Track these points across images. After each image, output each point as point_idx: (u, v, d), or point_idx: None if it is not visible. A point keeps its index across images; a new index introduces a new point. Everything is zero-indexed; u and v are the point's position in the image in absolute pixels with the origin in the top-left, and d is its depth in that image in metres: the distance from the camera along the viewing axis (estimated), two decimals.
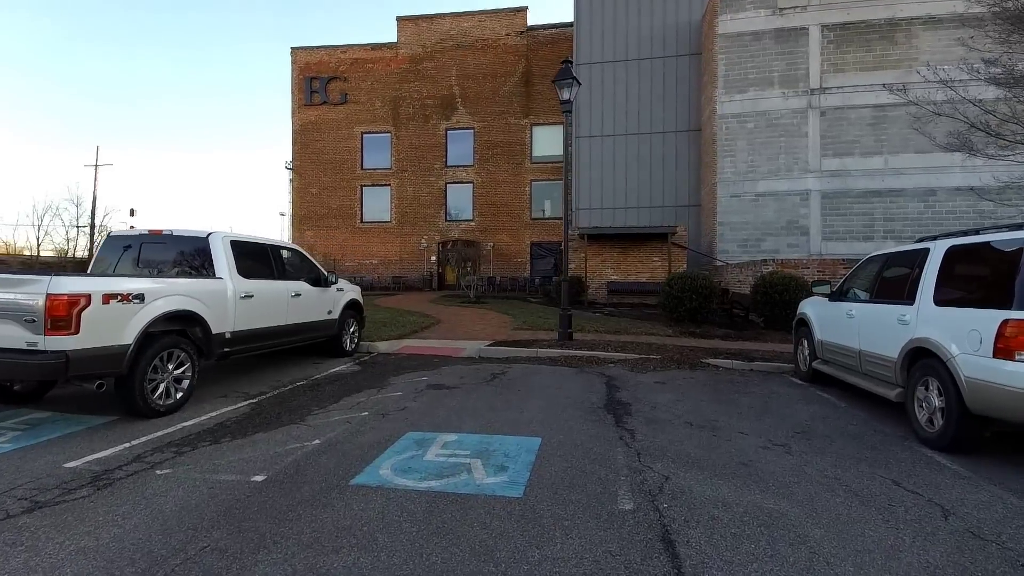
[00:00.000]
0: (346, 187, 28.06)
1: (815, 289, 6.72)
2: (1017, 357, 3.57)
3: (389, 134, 27.85)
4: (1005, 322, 3.66)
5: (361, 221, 27.86)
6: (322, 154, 28.33)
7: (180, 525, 2.95)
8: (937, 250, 4.67)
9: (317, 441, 4.33)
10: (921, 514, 3.14)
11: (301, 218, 28.44)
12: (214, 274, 5.87)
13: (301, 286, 7.17)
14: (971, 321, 3.96)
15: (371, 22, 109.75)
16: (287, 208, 30.02)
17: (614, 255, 18.93)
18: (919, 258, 4.87)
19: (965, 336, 3.98)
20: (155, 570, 2.48)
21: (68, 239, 36.01)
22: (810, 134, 17.42)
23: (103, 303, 4.60)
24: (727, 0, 18.43)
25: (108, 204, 69.54)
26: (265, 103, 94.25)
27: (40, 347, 4.30)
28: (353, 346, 8.56)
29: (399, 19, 28.14)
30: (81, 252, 33.00)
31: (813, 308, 6.88)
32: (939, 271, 4.53)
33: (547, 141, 26.54)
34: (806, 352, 6.93)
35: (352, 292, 8.57)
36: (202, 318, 5.48)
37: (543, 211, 26.60)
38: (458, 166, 27.11)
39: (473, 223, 26.85)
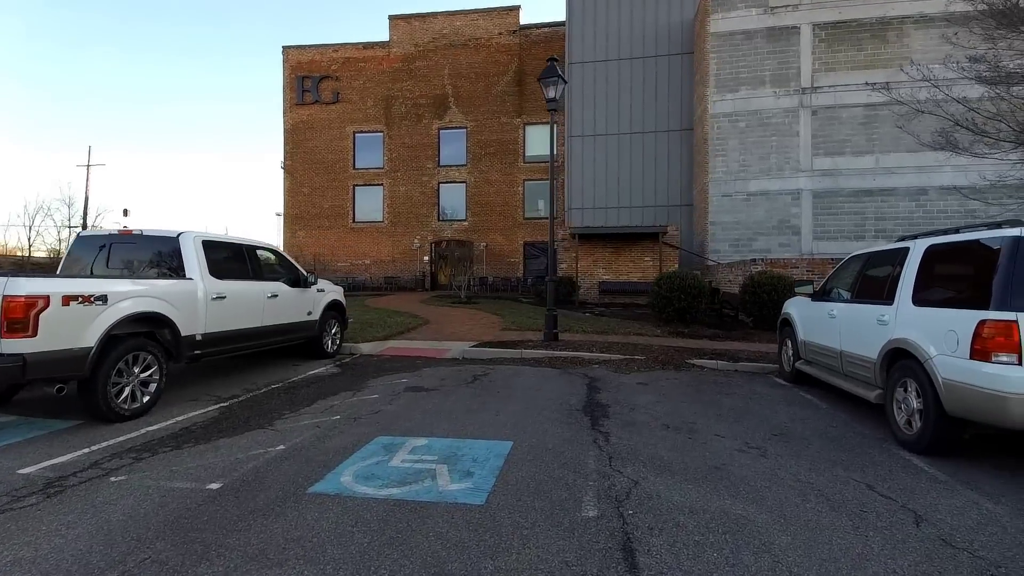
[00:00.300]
0: (338, 187, 27.90)
1: (797, 289, 6.64)
2: (994, 359, 3.49)
3: (381, 133, 27.70)
4: (982, 323, 3.57)
5: (353, 221, 27.70)
6: (314, 154, 28.17)
7: (124, 535, 2.84)
8: (916, 249, 4.59)
9: (282, 446, 4.22)
10: (893, 520, 3.04)
11: (293, 218, 28.27)
12: (184, 275, 5.75)
13: (278, 287, 7.05)
14: (948, 321, 3.88)
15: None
16: (282, 208, 29.83)
17: (606, 255, 18.84)
18: (899, 257, 4.79)
19: (943, 337, 3.90)
20: None
21: (60, 239, 35.80)
22: (801, 133, 17.37)
23: (63, 305, 4.48)
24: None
25: (100, 204, 69.28)
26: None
27: None
28: (335, 347, 8.44)
29: (391, 18, 28.00)
30: None
31: (797, 308, 6.80)
32: (918, 271, 4.45)
33: (540, 140, 26.41)
34: (790, 353, 6.85)
35: (334, 293, 8.46)
36: (170, 320, 5.36)
37: (537, 211, 26.49)
38: (451, 166, 26.99)
39: (466, 223, 26.72)
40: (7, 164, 61.78)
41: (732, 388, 6.57)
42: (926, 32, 16.50)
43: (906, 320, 4.37)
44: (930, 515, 3.12)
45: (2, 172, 58.50)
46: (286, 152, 28.63)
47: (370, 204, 27.54)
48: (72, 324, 4.54)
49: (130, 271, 5.97)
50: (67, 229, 35.47)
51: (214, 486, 3.46)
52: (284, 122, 28.80)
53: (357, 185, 27.79)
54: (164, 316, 5.31)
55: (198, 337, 5.71)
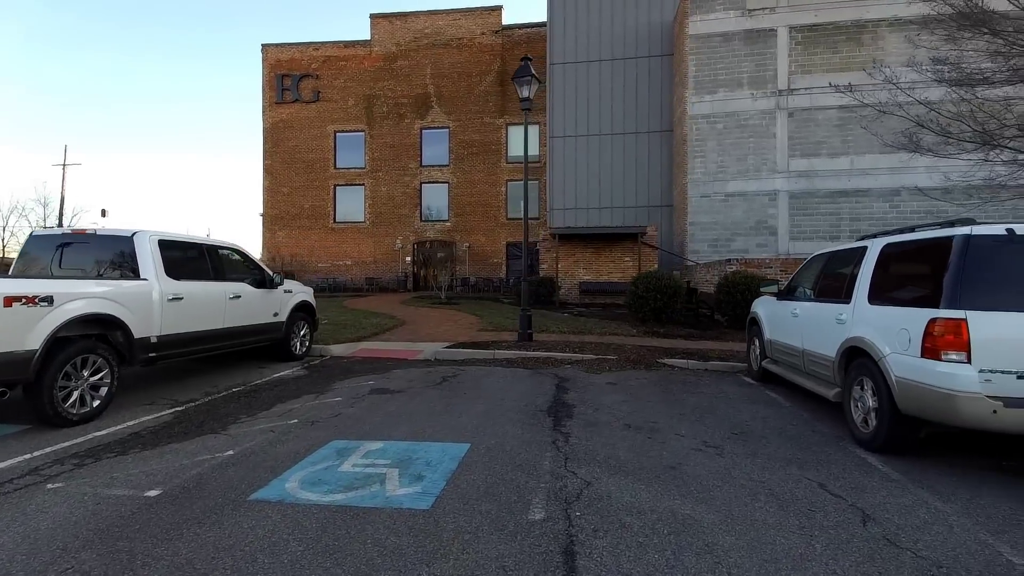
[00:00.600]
0: (319, 187, 27.61)
1: (763, 288, 6.67)
2: (944, 357, 3.50)
3: (363, 133, 27.48)
4: (932, 321, 3.58)
5: (334, 221, 27.43)
6: (294, 153, 27.85)
7: (50, 545, 2.72)
8: (873, 249, 4.61)
9: (231, 452, 4.10)
10: (840, 519, 3.03)
11: (272, 218, 27.91)
12: (138, 275, 5.58)
13: (241, 287, 6.90)
14: (902, 320, 3.89)
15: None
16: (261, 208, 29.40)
17: (587, 255, 18.86)
18: (857, 257, 4.82)
19: (896, 335, 3.92)
20: None
21: None
22: (778, 135, 17.55)
23: (5, 306, 4.32)
24: (697, 1, 18.49)
25: (78, 205, 67.78)
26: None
27: None
28: (304, 349, 8.29)
29: (373, 16, 27.79)
30: None
31: (763, 307, 6.82)
32: (874, 270, 4.47)
33: (523, 140, 26.39)
34: (757, 352, 6.88)
35: (302, 294, 8.31)
36: (122, 322, 5.20)
37: (521, 211, 26.46)
38: (433, 166, 26.86)
39: (449, 223, 26.61)
40: None
41: (700, 387, 6.57)
42: (899, 35, 16.76)
43: (862, 319, 4.39)
44: (878, 514, 3.11)
45: None
46: (265, 151, 28.26)
47: (351, 204, 27.31)
48: (15, 326, 4.38)
49: (84, 271, 5.79)
50: (42, 229, 34.62)
51: (153, 493, 3.34)
52: (263, 121, 28.43)
53: (338, 185, 27.53)
54: (115, 318, 5.15)
55: (153, 339, 5.56)
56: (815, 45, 17.56)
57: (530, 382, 6.74)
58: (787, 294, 6.23)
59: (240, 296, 6.80)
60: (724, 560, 2.58)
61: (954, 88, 6.84)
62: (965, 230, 3.70)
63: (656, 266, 17.51)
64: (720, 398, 6.03)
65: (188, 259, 6.36)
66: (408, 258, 26.36)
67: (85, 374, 4.91)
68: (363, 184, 27.28)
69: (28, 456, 4.02)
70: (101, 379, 5.05)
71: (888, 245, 4.46)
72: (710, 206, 18.20)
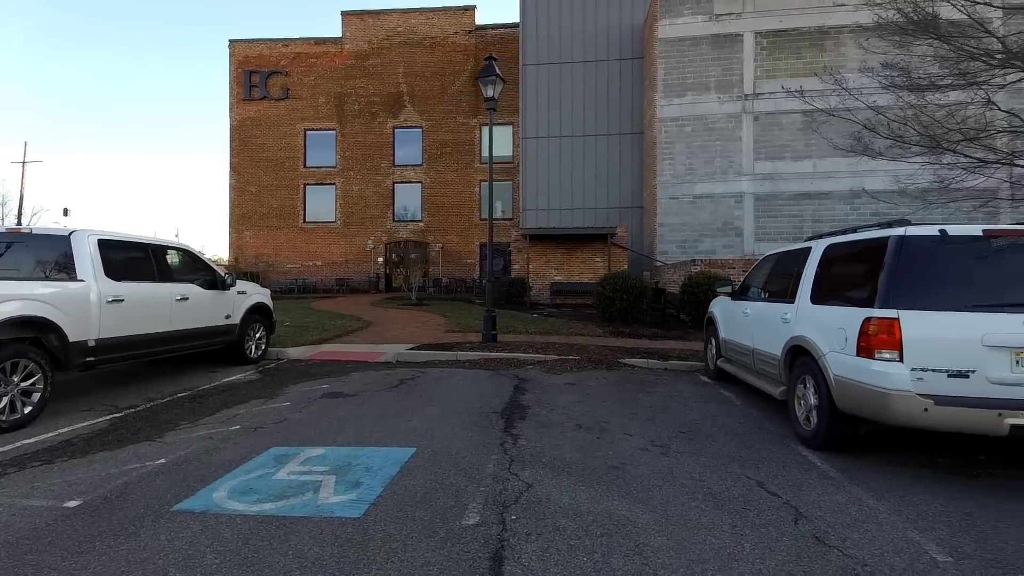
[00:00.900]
0: (288, 186, 27.08)
1: (717, 288, 6.75)
2: (877, 356, 3.57)
3: (334, 131, 27.07)
4: (867, 320, 3.65)
5: (304, 221, 26.94)
6: (262, 151, 27.26)
7: None
8: (817, 249, 4.70)
9: (163, 460, 3.94)
10: (773, 518, 3.05)
11: (239, 218, 27.26)
12: (75, 276, 5.34)
13: (190, 289, 6.67)
14: (840, 319, 3.96)
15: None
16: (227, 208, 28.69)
17: (558, 256, 18.90)
18: (803, 257, 4.90)
19: (834, 334, 3.98)
20: None
21: None
22: (744, 138, 17.88)
23: None
24: (666, 5, 18.72)
25: (38, 204, 65.26)
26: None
27: None
28: (259, 353, 8.07)
29: (344, 14, 27.41)
30: None
31: (719, 307, 6.91)
32: (816, 270, 4.55)
33: (498, 141, 26.30)
34: (713, 351, 6.96)
35: (258, 295, 8.10)
36: (56, 324, 4.97)
37: (496, 211, 26.37)
38: (406, 165, 26.61)
39: (422, 224, 26.39)
40: None
41: (656, 387, 6.61)
42: (860, 41, 17.23)
43: (805, 318, 4.46)
44: (811, 512, 3.14)
45: None
46: (232, 149, 27.61)
47: (322, 204, 26.86)
48: None
49: (19, 272, 5.51)
50: None
51: (72, 504, 3.18)
52: (230, 118, 27.77)
53: (308, 184, 27.05)
54: (49, 320, 4.91)
55: (90, 343, 5.32)
56: (780, 50, 17.95)
57: (489, 383, 6.68)
58: (740, 294, 6.31)
59: (188, 298, 6.57)
60: (652, 561, 2.57)
61: (902, 93, 7.03)
62: (900, 231, 3.78)
63: (626, 267, 17.66)
64: (675, 397, 6.07)
65: (131, 260, 6.12)
66: (380, 259, 26.05)
67: (15, 379, 4.67)
68: (334, 183, 26.86)
69: None
70: (33, 384, 4.81)
71: (830, 246, 4.54)
72: (679, 208, 18.43)
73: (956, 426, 3.36)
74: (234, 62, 27.77)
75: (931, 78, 6.90)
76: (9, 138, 67.16)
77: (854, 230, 4.51)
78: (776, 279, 5.44)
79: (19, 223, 32.21)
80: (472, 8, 26.76)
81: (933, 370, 3.41)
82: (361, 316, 13.62)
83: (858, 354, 3.69)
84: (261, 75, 27.47)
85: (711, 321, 7.14)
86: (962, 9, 6.46)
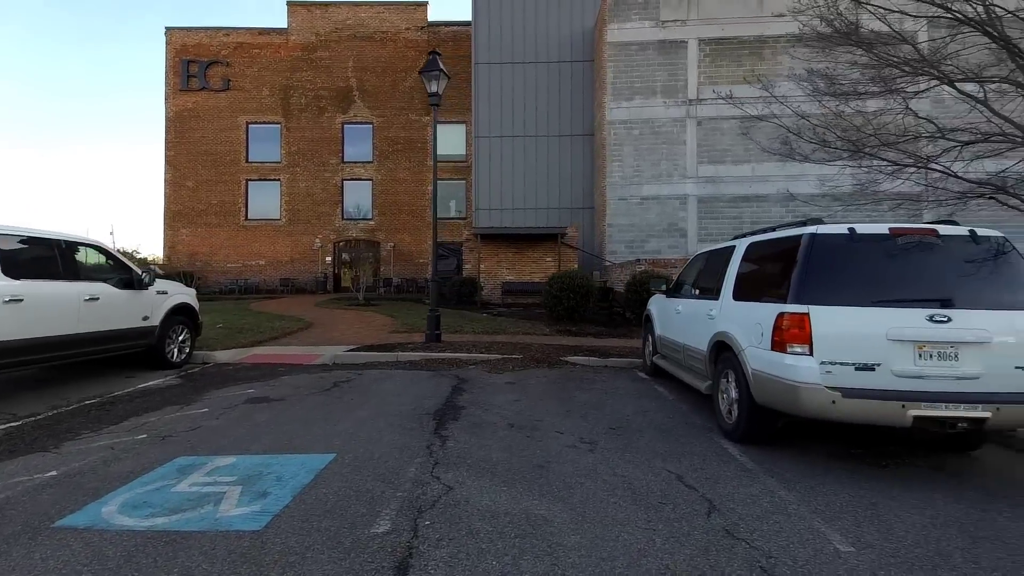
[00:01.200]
0: (228, 181, 25.86)
1: (652, 287, 6.87)
2: (789, 350, 3.68)
3: (279, 125, 26.06)
4: (780, 315, 3.76)
5: (246, 218, 25.79)
6: (200, 144, 25.93)
7: None
8: (740, 247, 4.83)
9: (54, 472, 3.60)
10: (687, 512, 3.08)
11: (174, 215, 25.82)
12: None
13: (101, 288, 6.19)
14: (757, 315, 4.07)
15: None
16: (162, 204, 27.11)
17: (509, 255, 18.89)
18: (728, 255, 5.02)
19: (752, 329, 4.09)
20: None
21: None
22: (688, 142, 18.41)
23: None
24: (615, 10, 19.04)
25: None
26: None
27: None
28: (183, 356, 7.60)
29: (290, 4, 26.44)
30: None
31: (656, 305, 7.03)
32: (739, 267, 4.67)
33: (450, 139, 26.09)
34: (650, 348, 7.07)
35: (181, 295, 7.63)
36: None
37: (448, 210, 26.13)
38: (356, 162, 25.93)
39: (372, 222, 25.79)
40: None
41: (595, 384, 6.66)
42: (803, 51, 18.05)
43: (727, 314, 4.57)
44: (724, 504, 3.19)
45: None
46: (168, 142, 26.13)
47: (265, 200, 25.79)
48: None
49: None
50: None
51: None
52: (166, 110, 26.28)
53: (251, 180, 25.93)
54: None
55: None
56: (722, 58, 18.58)
57: (427, 384, 6.54)
58: (674, 292, 6.43)
59: (98, 298, 6.10)
60: (562, 561, 2.53)
61: (825, 100, 7.35)
62: (812, 229, 3.92)
63: (576, 266, 17.83)
64: (611, 394, 6.12)
65: (35, 256, 5.62)
66: (328, 258, 25.27)
67: None
68: (279, 179, 25.86)
69: None
70: None
71: (751, 244, 4.68)
72: (627, 209, 18.78)
73: (862, 418, 3.50)
74: (171, 51, 26.30)
75: (853, 85, 7.23)
76: None
77: (773, 229, 4.66)
78: (705, 277, 5.57)
79: None
80: (424, 4, 26.40)
81: (841, 363, 3.54)
82: (303, 317, 13.13)
83: (773, 348, 3.80)
84: (200, 65, 26.14)
85: (648, 319, 7.26)
86: (881, 18, 6.77)
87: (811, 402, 3.53)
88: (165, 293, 7.25)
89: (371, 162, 25.89)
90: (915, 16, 5.97)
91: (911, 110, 6.85)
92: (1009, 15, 5.80)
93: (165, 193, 26.08)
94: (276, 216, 25.80)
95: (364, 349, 8.69)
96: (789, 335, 3.67)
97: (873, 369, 3.49)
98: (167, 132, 26.14)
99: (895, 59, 6.34)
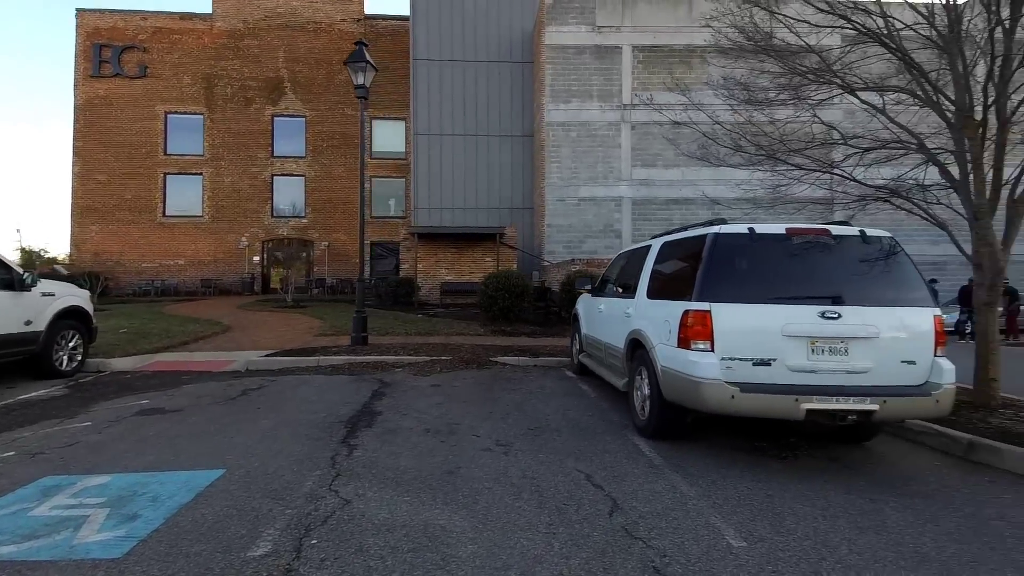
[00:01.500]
0: (144, 175, 24.04)
1: (577, 285, 6.90)
2: (693, 347, 3.72)
3: (201, 116, 24.51)
4: (686, 313, 3.81)
5: (164, 215, 24.06)
6: (113, 135, 23.97)
7: None
8: (654, 247, 4.89)
9: None
10: (590, 512, 3.03)
11: (83, 210, 23.71)
12: None
13: None
14: (666, 312, 4.12)
15: None
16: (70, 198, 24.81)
17: (448, 255, 18.63)
18: (644, 254, 5.08)
19: (662, 327, 4.13)
20: None
21: None
22: (623, 145, 18.86)
23: None
24: (553, 13, 19.21)
25: None
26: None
27: None
28: (73, 365, 6.88)
29: None
30: None
31: (583, 304, 7.07)
32: (653, 266, 4.73)
33: (388, 136, 25.50)
34: (577, 346, 7.10)
35: (71, 298, 6.91)
36: None
37: (389, 208, 25.50)
38: (287, 157, 24.78)
39: (305, 220, 24.73)
40: None
41: (522, 384, 6.59)
42: (722, 60, 18.89)
43: (641, 312, 4.61)
44: (627, 503, 3.17)
45: None
46: (76, 132, 24.00)
47: (186, 196, 24.17)
48: None
49: None
50: None
51: None
52: (75, 96, 24.12)
53: (169, 173, 24.23)
54: None
55: None
56: (654, 65, 19.16)
57: (346, 390, 6.24)
58: (598, 291, 6.47)
59: None
60: (455, 574, 2.39)
61: (741, 107, 7.64)
62: (716, 229, 4.00)
63: (516, 266, 17.83)
64: (535, 393, 6.07)
65: None
66: (256, 257, 23.98)
67: None
68: (201, 173, 24.30)
69: None
70: None
71: (664, 244, 4.75)
72: (565, 209, 19.00)
73: (759, 412, 3.60)
74: (81, 33, 24.15)
75: (766, 93, 7.55)
76: None
77: (684, 229, 4.74)
78: (625, 276, 5.62)
79: None
80: None
81: (740, 359, 3.62)
82: (221, 321, 12.33)
83: (679, 345, 3.84)
84: (114, 50, 24.17)
85: (576, 317, 7.29)
86: (790, 28, 7.06)
87: (712, 397, 3.59)
88: (52, 295, 6.53)
89: (304, 157, 24.84)
90: (818, 26, 6.28)
91: (818, 118, 7.24)
92: (907, 29, 6.23)
93: (73, 187, 23.92)
94: (198, 213, 24.23)
95: (283, 354, 8.22)
96: (693, 332, 3.72)
97: (769, 364, 3.60)
98: (76, 121, 24.00)
99: (803, 68, 6.67)
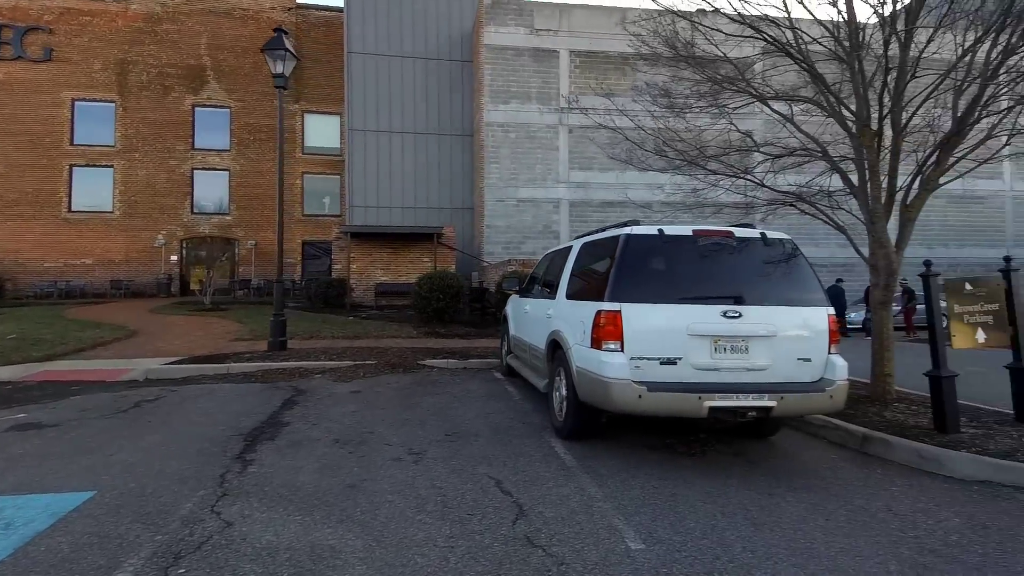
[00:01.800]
0: (48, 166, 21.90)
1: (505, 286, 6.82)
2: (604, 347, 3.71)
3: (113, 104, 22.63)
4: (598, 313, 3.79)
5: (69, 210, 22.00)
6: (12, 122, 21.69)
7: None
8: (575, 247, 4.88)
9: None
10: (493, 522, 2.92)
11: None
12: None
13: None
14: (581, 313, 4.09)
15: None
16: None
17: (384, 256, 18.13)
18: (567, 254, 5.06)
19: (577, 327, 4.10)
20: None
21: None
22: (561, 148, 19.07)
23: None
24: (492, 13, 19.14)
25: None
26: None
27: None
28: None
29: None
30: None
31: (511, 304, 7.00)
32: (572, 266, 4.71)
33: (321, 131, 24.55)
34: (506, 348, 7.02)
35: None
36: None
37: (323, 206, 24.51)
38: (209, 150, 23.29)
39: (230, 217, 23.34)
40: None
41: (448, 387, 6.42)
42: (647, 67, 19.48)
43: (560, 313, 4.58)
44: (534, 509, 3.09)
45: None
46: None
47: (95, 190, 22.21)
48: None
49: None
50: None
51: None
52: None
53: (76, 165, 22.19)
54: None
55: None
56: (590, 70, 19.49)
57: (254, 399, 5.83)
58: (525, 291, 6.41)
59: None
60: None
61: (663, 113, 7.83)
62: (628, 230, 4.01)
63: (454, 267, 17.61)
64: (460, 397, 5.93)
65: None
66: (174, 257, 22.35)
67: None
68: (112, 166, 22.40)
69: None
70: None
71: (583, 244, 4.74)
72: (504, 210, 18.96)
73: (666, 410, 3.62)
74: None
75: (686, 100, 7.77)
76: None
77: (604, 230, 4.75)
78: (548, 276, 5.58)
79: None
80: None
81: (648, 358, 3.64)
82: (127, 325, 11.35)
83: (592, 346, 3.82)
84: (16, 31, 21.90)
85: (505, 319, 7.20)
86: (708, 38, 7.29)
87: (620, 397, 3.58)
88: None
89: (228, 150, 23.45)
90: (731, 35, 6.51)
91: (734, 125, 7.52)
92: (814, 42, 6.56)
93: None
94: (108, 208, 22.32)
95: (191, 361, 7.62)
96: (604, 332, 3.70)
97: (676, 363, 3.63)
98: None
99: (719, 76, 6.90)
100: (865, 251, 6.07)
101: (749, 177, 6.64)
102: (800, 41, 6.38)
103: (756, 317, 3.71)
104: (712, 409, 3.54)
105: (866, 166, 5.96)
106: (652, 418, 4.37)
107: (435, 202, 22.14)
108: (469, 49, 21.98)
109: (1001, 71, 5.39)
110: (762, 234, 4.08)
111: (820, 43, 6.52)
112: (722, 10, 6.16)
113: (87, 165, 22.25)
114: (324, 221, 24.04)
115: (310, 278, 21.48)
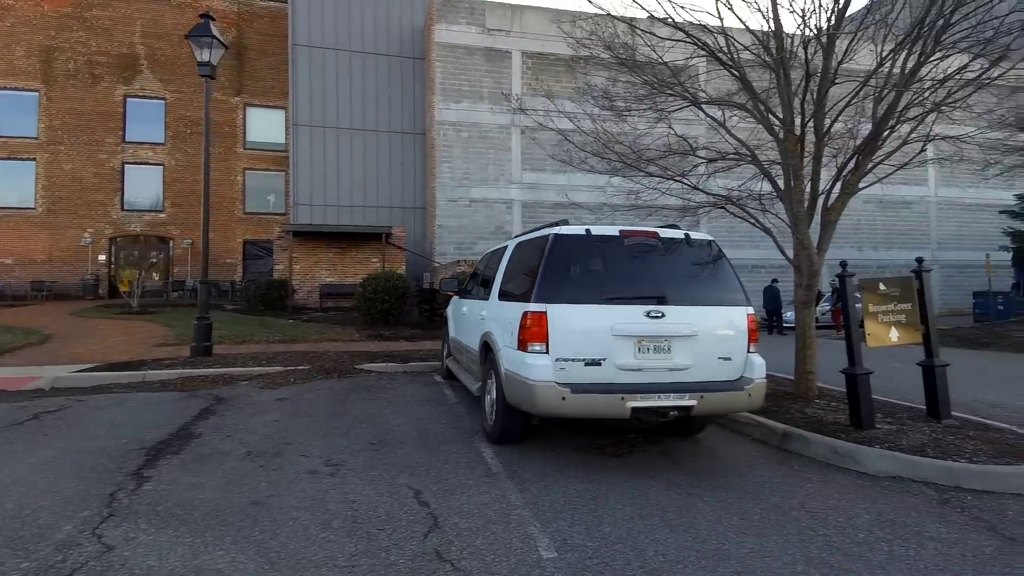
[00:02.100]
0: None
1: (444, 287, 6.68)
2: (530, 349, 3.63)
3: (36, 93, 20.97)
4: (525, 314, 3.71)
5: None
6: None
7: None
8: (510, 247, 4.79)
9: None
10: (404, 536, 2.77)
11: None
12: None
13: None
14: (510, 314, 4.01)
15: None
16: None
17: (330, 256, 17.59)
18: (501, 255, 4.97)
19: (506, 329, 4.01)
20: None
21: None
22: (513, 149, 19.04)
23: None
24: (443, 11, 18.91)
25: None
26: None
27: None
28: None
29: None
30: None
31: (452, 306, 6.85)
32: (505, 266, 4.62)
33: (265, 126, 23.58)
34: (446, 350, 6.86)
35: None
36: None
37: (267, 204, 23.54)
38: (142, 143, 21.92)
39: (164, 215, 22.05)
40: None
41: (383, 392, 6.22)
42: (590, 69, 19.73)
43: (492, 314, 4.48)
44: (449, 520, 2.96)
45: None
46: None
47: (15, 184, 20.50)
48: None
49: None
50: None
51: None
52: None
53: None
54: None
55: None
56: (543, 71, 19.55)
57: (167, 409, 5.44)
58: (465, 292, 6.28)
59: None
60: None
61: (603, 115, 7.88)
62: (556, 229, 3.95)
63: (403, 268, 17.26)
64: (394, 402, 5.73)
65: None
66: (101, 256, 20.88)
67: None
68: (34, 158, 20.75)
69: None
70: None
71: (517, 244, 4.66)
72: (456, 210, 18.75)
73: (589, 412, 3.58)
74: None
75: (626, 102, 7.84)
76: None
77: (538, 229, 4.68)
78: (485, 277, 5.48)
79: None
80: None
81: (572, 360, 3.59)
82: (42, 330, 10.48)
83: (518, 348, 3.74)
84: None
85: (446, 320, 7.05)
86: (647, 42, 7.36)
87: (543, 400, 3.51)
88: None
89: (163, 144, 22.14)
90: (664, 39, 6.60)
91: (672, 130, 7.64)
92: (745, 50, 6.73)
93: None
94: (30, 204, 20.66)
95: (106, 368, 7.08)
96: (530, 334, 3.63)
97: (600, 364, 3.60)
98: None
99: (655, 80, 6.99)
100: (791, 253, 6.26)
101: (684, 180, 6.75)
102: (732, 48, 6.53)
103: (678, 317, 3.72)
104: (634, 410, 3.52)
105: (791, 171, 6.15)
106: (578, 420, 4.34)
107: (385, 201, 21.65)
108: (421, 46, 21.64)
109: (915, 80, 5.67)
110: (686, 235, 4.11)
111: (750, 51, 6.70)
112: (655, 15, 6.22)
113: (7, 158, 20.50)
114: (268, 219, 23.13)
115: (251, 279, 20.56)
